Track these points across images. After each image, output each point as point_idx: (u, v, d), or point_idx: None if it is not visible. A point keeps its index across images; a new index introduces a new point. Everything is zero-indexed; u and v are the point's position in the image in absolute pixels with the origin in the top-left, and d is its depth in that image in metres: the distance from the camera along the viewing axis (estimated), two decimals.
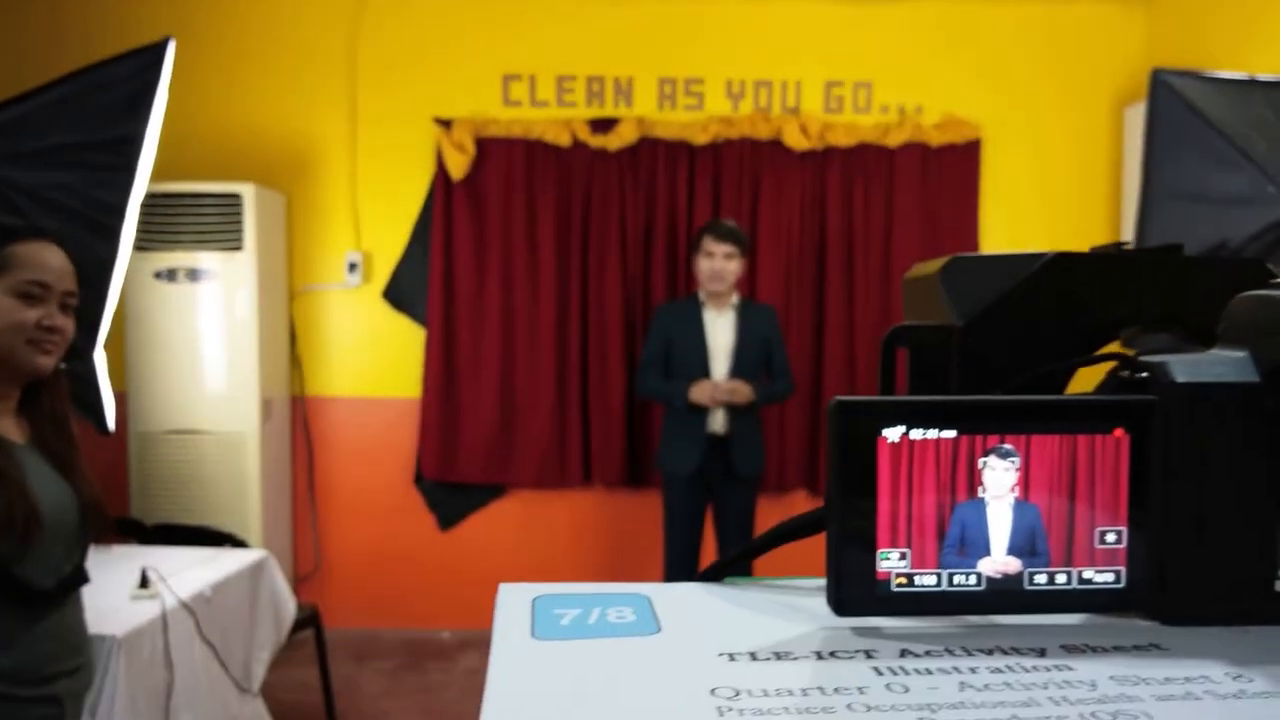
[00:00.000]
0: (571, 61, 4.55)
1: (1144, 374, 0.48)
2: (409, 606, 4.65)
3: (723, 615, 0.50)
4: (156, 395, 4.22)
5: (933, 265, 0.66)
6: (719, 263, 3.78)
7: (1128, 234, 4.08)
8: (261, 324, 4.30)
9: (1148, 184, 2.71)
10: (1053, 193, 4.64)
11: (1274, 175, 2.60)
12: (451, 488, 4.66)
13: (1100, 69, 4.59)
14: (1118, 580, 0.47)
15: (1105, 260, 0.62)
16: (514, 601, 0.50)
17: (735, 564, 0.59)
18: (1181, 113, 2.68)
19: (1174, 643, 0.46)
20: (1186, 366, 0.46)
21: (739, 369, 3.81)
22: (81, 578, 1.74)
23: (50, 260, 1.66)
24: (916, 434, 0.45)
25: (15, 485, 1.56)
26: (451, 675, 4.16)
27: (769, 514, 4.40)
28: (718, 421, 3.81)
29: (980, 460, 0.46)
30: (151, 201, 3.84)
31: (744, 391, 3.74)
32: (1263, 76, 2.89)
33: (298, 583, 4.52)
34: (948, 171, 4.57)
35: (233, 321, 4.26)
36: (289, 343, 4.62)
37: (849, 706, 0.39)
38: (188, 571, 2.75)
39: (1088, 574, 0.47)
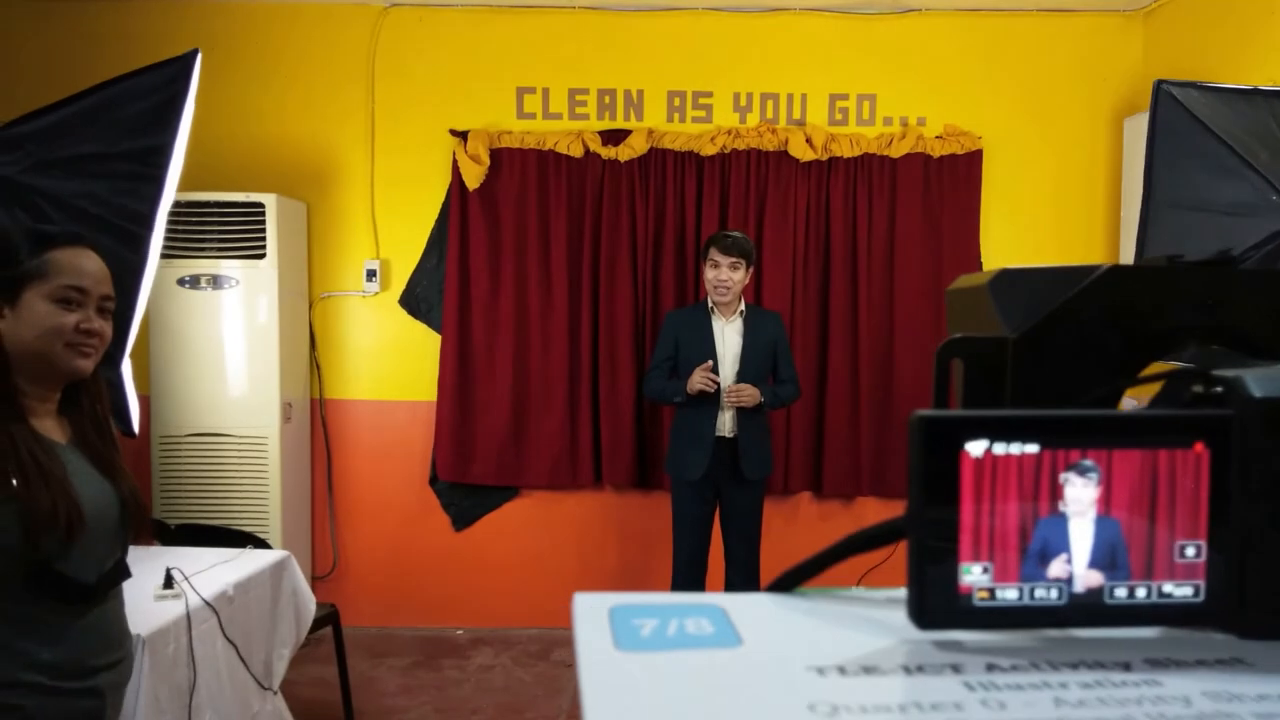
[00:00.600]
0: (583, 75, 4.62)
1: (1219, 388, 0.47)
2: (424, 605, 4.72)
3: (801, 627, 0.49)
4: (179, 399, 4.28)
5: (980, 277, 0.66)
6: (724, 273, 3.84)
7: (1129, 242, 4.15)
8: (282, 329, 4.37)
9: (1150, 193, 2.72)
10: (1054, 202, 4.70)
11: (1277, 184, 2.63)
12: (465, 489, 4.72)
13: (1100, 80, 4.65)
14: (1196, 594, 0.46)
15: (1158, 273, 0.61)
16: (591, 611, 0.49)
17: (806, 574, 0.57)
18: (1184, 123, 2.69)
19: (1257, 657, 0.45)
20: (1263, 381, 0.46)
21: (746, 374, 3.86)
22: (122, 573, 1.76)
23: (87, 266, 1.68)
24: (999, 449, 0.45)
25: (59, 484, 1.59)
26: (465, 672, 4.22)
27: (775, 516, 4.47)
28: (725, 424, 3.87)
29: (1062, 475, 0.45)
30: (176, 210, 3.87)
31: (751, 393, 3.81)
32: (1264, 87, 2.92)
33: (315, 582, 4.58)
34: (949, 181, 4.62)
35: (254, 327, 4.32)
36: (309, 348, 4.69)
37: None
38: (211, 571, 2.77)
39: (1167, 588, 0.46)
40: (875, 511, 4.69)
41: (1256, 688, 0.42)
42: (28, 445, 1.60)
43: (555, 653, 4.44)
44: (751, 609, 0.51)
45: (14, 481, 1.55)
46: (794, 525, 4.71)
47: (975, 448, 0.45)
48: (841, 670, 0.44)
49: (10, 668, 1.58)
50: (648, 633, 0.47)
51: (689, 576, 3.94)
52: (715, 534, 4.01)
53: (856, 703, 0.41)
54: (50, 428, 1.69)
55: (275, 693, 2.99)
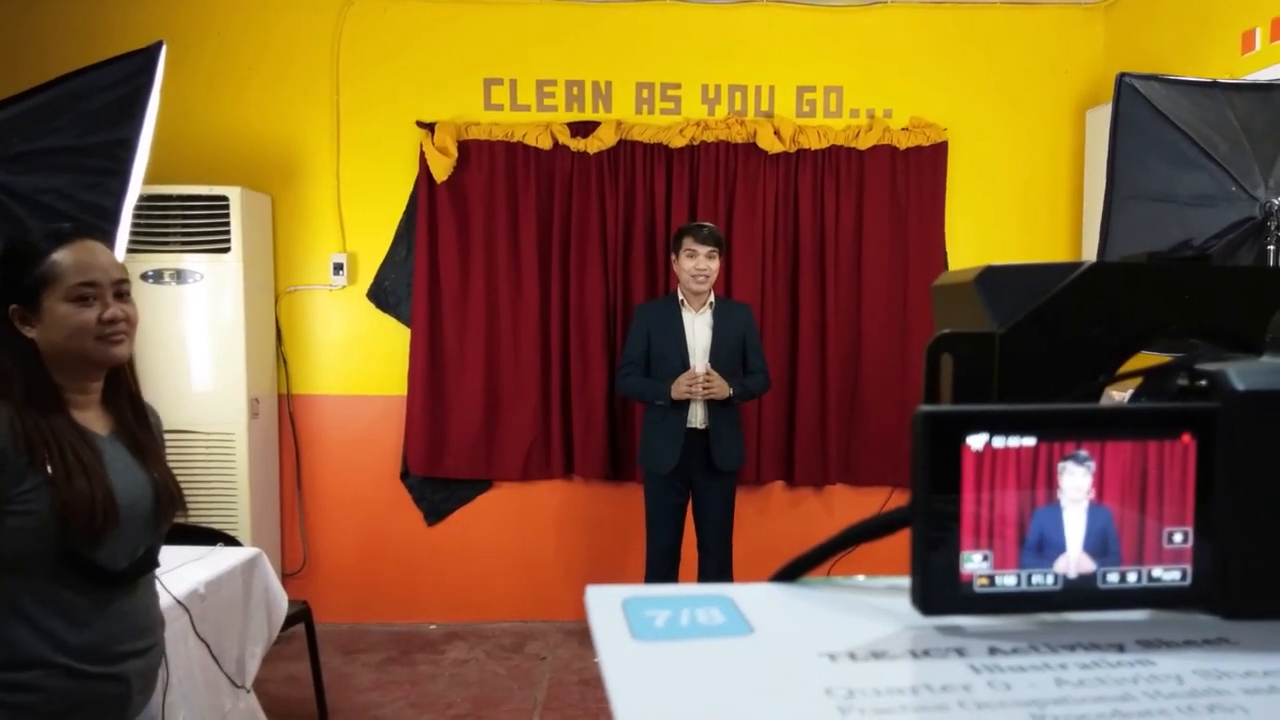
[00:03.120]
0: (551, 66, 4.61)
1: (1204, 382, 0.49)
2: (396, 600, 4.70)
3: (807, 616, 0.51)
4: (144, 395, 4.21)
5: (966, 274, 0.68)
6: (702, 262, 3.87)
7: (1091, 232, 4.21)
8: (248, 324, 4.32)
9: (1113, 184, 2.76)
10: (1017, 192, 4.76)
11: (1236, 175, 2.69)
12: (437, 483, 4.71)
13: (1062, 72, 4.72)
14: (1184, 578, 0.48)
15: (1139, 269, 0.64)
16: (605, 604, 0.50)
17: (810, 564, 0.58)
18: (1146, 115, 2.74)
19: (1240, 637, 0.47)
20: (1245, 375, 0.48)
21: (717, 365, 3.89)
22: (152, 562, 1.80)
23: (94, 259, 1.69)
24: (999, 442, 0.46)
25: (97, 476, 1.63)
26: (439, 667, 4.21)
27: (747, 506, 4.51)
28: (697, 416, 3.90)
29: (1058, 466, 0.47)
30: (138, 204, 3.82)
31: (720, 385, 3.83)
32: (1224, 80, 2.98)
33: (286, 579, 4.55)
34: (915, 173, 4.67)
35: (219, 322, 4.28)
36: (275, 342, 4.65)
37: (961, 704, 0.41)
38: (181, 570, 2.74)
39: (1156, 572, 0.48)
40: (845, 499, 4.75)
41: (1243, 665, 0.45)
42: (68, 437, 1.64)
43: (529, 645, 4.45)
44: (759, 599, 0.52)
45: (49, 469, 1.59)
46: (766, 515, 4.75)
47: (976, 441, 0.46)
48: (852, 656, 0.45)
49: (40, 648, 1.61)
50: (661, 623, 0.48)
51: (663, 567, 3.97)
52: (688, 524, 4.04)
53: (870, 686, 0.42)
54: (92, 419, 1.72)
55: (248, 691, 2.97)
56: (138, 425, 1.79)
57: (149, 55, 2.53)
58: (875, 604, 0.53)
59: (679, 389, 3.82)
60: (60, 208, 2.43)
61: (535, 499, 4.76)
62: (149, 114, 2.51)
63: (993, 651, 0.46)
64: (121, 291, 1.73)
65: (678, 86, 4.66)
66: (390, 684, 4.04)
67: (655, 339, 3.95)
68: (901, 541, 0.54)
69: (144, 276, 4.20)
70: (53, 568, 1.62)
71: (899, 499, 4.60)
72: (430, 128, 4.52)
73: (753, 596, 0.53)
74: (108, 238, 2.49)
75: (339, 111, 4.60)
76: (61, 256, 1.66)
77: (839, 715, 0.40)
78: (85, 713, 1.67)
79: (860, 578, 0.58)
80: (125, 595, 1.73)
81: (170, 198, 4.21)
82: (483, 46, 4.60)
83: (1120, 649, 0.46)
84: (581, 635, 4.52)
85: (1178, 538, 0.48)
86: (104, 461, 1.67)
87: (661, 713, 0.40)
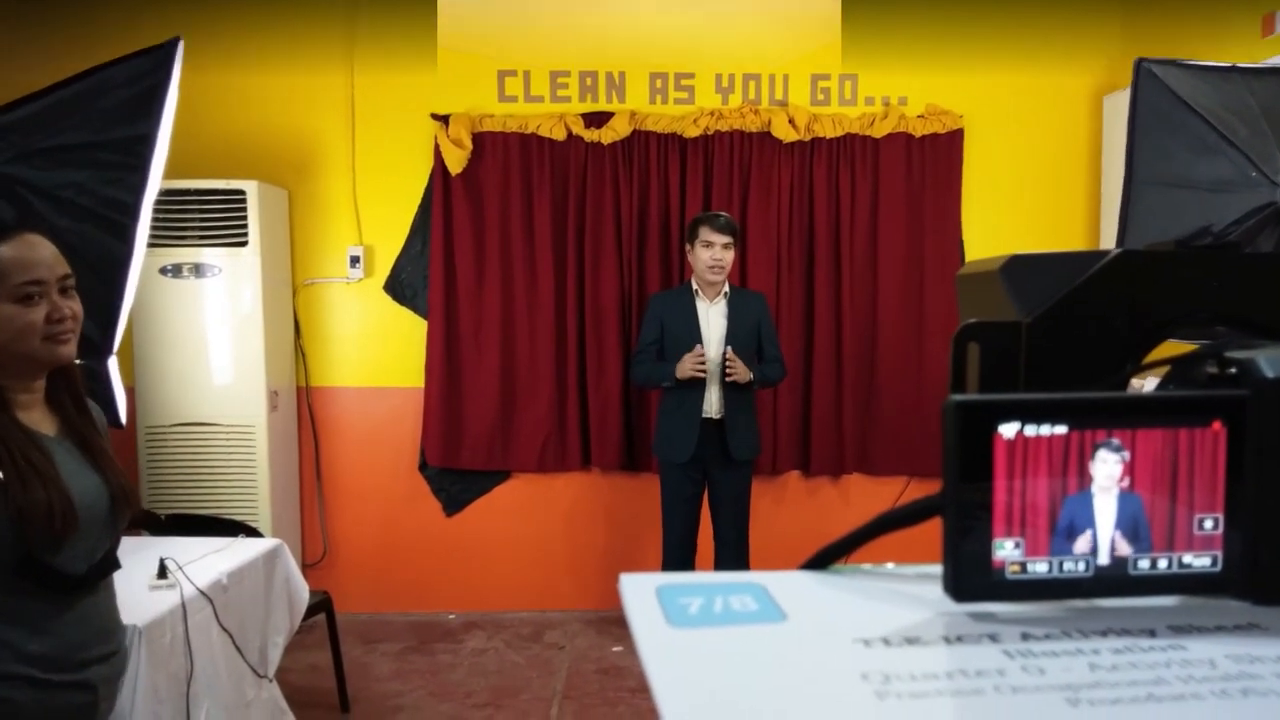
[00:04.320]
0: (565, 57, 4.60)
1: (1233, 370, 0.50)
2: (416, 590, 4.73)
3: (840, 603, 0.51)
4: (165, 389, 4.25)
5: (991, 263, 0.68)
6: (718, 252, 3.86)
7: (1109, 219, 4.19)
8: (267, 317, 4.34)
9: (1132, 171, 2.74)
10: (1034, 179, 4.73)
11: (1256, 160, 2.67)
12: (455, 474, 4.73)
13: (1079, 58, 4.68)
14: (1214, 564, 0.48)
15: (1166, 257, 0.64)
16: (639, 591, 0.51)
17: (841, 552, 0.58)
18: (1165, 100, 2.72)
19: (1271, 622, 0.48)
20: (1275, 363, 0.48)
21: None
22: (112, 564, 1.74)
23: (37, 255, 1.62)
24: (1031, 430, 0.47)
25: (53, 482, 1.57)
26: (459, 656, 4.24)
27: (763, 496, 4.51)
28: (712, 406, 3.90)
29: (1090, 454, 0.48)
30: (157, 198, 3.86)
31: (742, 369, 3.82)
32: (1243, 64, 2.96)
33: (306, 570, 4.57)
34: (931, 160, 4.65)
35: (238, 315, 4.30)
36: (294, 335, 4.67)
37: (996, 689, 0.41)
38: (203, 561, 2.77)
39: (1187, 559, 0.48)
40: (862, 488, 4.74)
41: (1274, 650, 0.45)
42: (16, 440, 1.58)
43: (547, 635, 4.47)
44: (791, 586, 0.53)
45: (0, 474, 1.53)
46: (783, 505, 4.75)
47: (1008, 430, 0.47)
48: (886, 642, 0.46)
49: (1, 660, 1.56)
50: (696, 610, 0.48)
51: (679, 557, 3.97)
52: (704, 514, 4.04)
53: (906, 671, 0.43)
54: (38, 419, 1.67)
55: (270, 680, 3.00)
56: (84, 424, 1.73)
57: (167, 51, 2.53)
58: (906, 591, 0.53)
59: (684, 369, 3.80)
60: (81, 202, 2.44)
61: (552, 490, 4.77)
62: (167, 110, 2.51)
63: (1025, 637, 0.47)
64: (65, 287, 1.67)
65: (691, 76, 4.64)
66: (410, 673, 4.07)
67: (669, 328, 3.94)
68: (924, 528, 0.54)
69: (163, 270, 4.23)
70: (9, 576, 1.56)
71: (916, 488, 4.59)
72: (445, 120, 4.52)
73: (785, 584, 0.53)
74: (129, 233, 2.51)
75: (354, 104, 4.61)
76: (3, 253, 1.60)
77: (876, 700, 0.40)
78: None
79: (890, 565, 0.59)
80: (86, 599, 1.68)
81: (188, 192, 4.23)
82: (497, 38, 4.59)
83: (1152, 634, 0.47)
84: (599, 624, 4.54)
85: (1208, 524, 0.48)
86: (55, 463, 1.62)
87: (702, 698, 0.41)
